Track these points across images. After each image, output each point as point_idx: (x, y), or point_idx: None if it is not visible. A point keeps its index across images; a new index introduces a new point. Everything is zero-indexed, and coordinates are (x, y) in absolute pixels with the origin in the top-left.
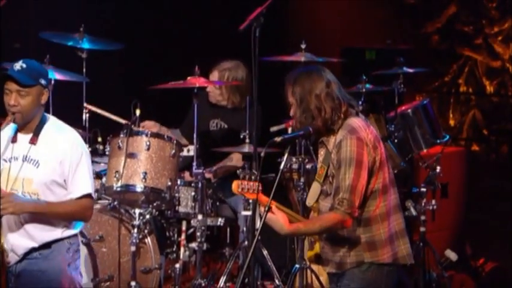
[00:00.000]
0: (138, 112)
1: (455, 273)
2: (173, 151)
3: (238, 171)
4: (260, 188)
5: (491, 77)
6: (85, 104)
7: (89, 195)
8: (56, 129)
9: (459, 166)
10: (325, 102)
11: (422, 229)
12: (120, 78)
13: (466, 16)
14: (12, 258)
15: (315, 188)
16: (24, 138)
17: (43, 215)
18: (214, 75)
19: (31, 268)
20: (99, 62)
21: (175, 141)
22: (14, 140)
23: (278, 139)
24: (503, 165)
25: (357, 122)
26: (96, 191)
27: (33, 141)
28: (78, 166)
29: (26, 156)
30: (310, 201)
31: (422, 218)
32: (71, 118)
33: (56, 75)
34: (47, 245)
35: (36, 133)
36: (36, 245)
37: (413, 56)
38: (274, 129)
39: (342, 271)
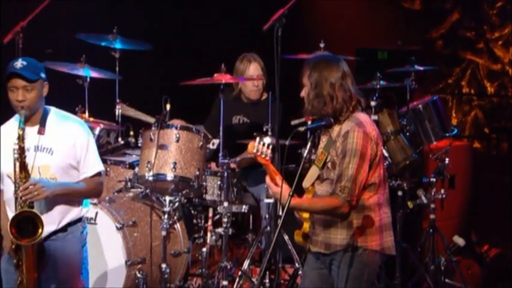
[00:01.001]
0: (168, 107)
1: (462, 259)
2: (201, 143)
3: (255, 133)
4: (271, 155)
5: (492, 79)
6: (118, 101)
7: (99, 173)
8: (60, 118)
9: (465, 160)
10: (338, 91)
11: (432, 216)
12: (151, 75)
13: (468, 22)
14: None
15: (313, 171)
16: (31, 130)
17: (68, 195)
18: (258, 69)
19: (51, 249)
20: (130, 60)
21: (202, 134)
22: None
23: (302, 128)
24: (504, 161)
25: (364, 117)
26: (130, 180)
27: (41, 131)
28: (88, 147)
29: (38, 146)
30: (306, 184)
31: (432, 206)
32: (105, 113)
33: (91, 73)
34: (63, 229)
35: (43, 124)
36: (56, 227)
37: (422, 57)
38: (295, 122)
39: (331, 252)
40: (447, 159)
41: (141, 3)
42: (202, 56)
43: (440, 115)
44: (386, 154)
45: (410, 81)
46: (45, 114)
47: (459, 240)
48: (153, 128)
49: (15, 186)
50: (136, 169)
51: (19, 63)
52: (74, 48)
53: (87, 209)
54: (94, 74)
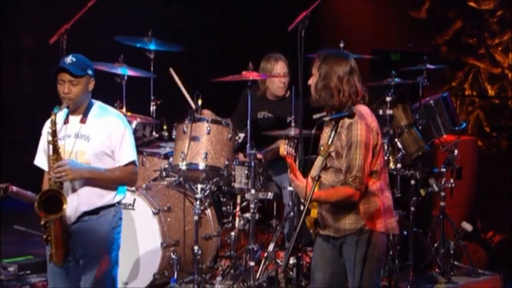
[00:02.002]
0: (199, 102)
1: (469, 244)
2: (230, 135)
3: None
4: (294, 155)
5: (493, 82)
6: (170, 69)
7: (133, 162)
8: (101, 110)
9: (471, 153)
10: (345, 85)
11: (442, 204)
12: (183, 73)
13: (471, 30)
14: (68, 220)
15: (319, 161)
16: (75, 119)
17: (97, 180)
18: (284, 67)
19: (82, 228)
20: (164, 60)
21: (231, 127)
22: (66, 121)
23: (327, 118)
24: (503, 157)
25: (364, 109)
26: (164, 169)
27: (82, 121)
28: (123, 138)
29: (78, 134)
30: (313, 173)
31: (442, 194)
32: (141, 109)
33: (128, 72)
34: (96, 211)
35: (85, 114)
36: (87, 209)
37: (430, 59)
38: (316, 116)
39: (340, 235)
40: (456, 151)
41: (174, 7)
42: (230, 55)
43: (450, 110)
44: (400, 146)
45: (423, 79)
46: (89, 106)
47: (467, 226)
48: (186, 122)
49: (48, 167)
50: (171, 159)
51: (69, 59)
52: (112, 49)
53: (123, 196)
54: (131, 72)
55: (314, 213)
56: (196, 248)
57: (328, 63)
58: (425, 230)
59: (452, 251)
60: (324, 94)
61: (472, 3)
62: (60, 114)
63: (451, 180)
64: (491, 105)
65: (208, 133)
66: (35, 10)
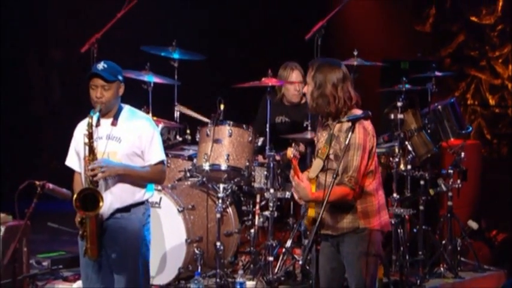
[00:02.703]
0: (222, 107)
1: (474, 241)
2: (250, 138)
3: (291, 141)
4: (299, 157)
5: (493, 92)
6: (176, 104)
7: (162, 162)
8: (131, 113)
9: (476, 156)
10: (340, 92)
11: (449, 203)
12: (206, 80)
13: (473, 43)
14: (102, 217)
15: (317, 163)
16: (106, 122)
17: (129, 177)
18: (299, 75)
19: (115, 225)
20: (188, 68)
21: (251, 130)
22: (97, 124)
23: (344, 119)
24: (504, 163)
25: (359, 112)
26: (188, 170)
27: (113, 123)
28: (152, 139)
29: (109, 135)
30: (312, 175)
31: (450, 194)
32: (166, 114)
33: (154, 79)
34: (127, 208)
35: (116, 117)
36: (119, 206)
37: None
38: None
39: (338, 234)
40: (463, 154)
41: (198, 18)
42: (250, 63)
43: (457, 115)
44: (410, 148)
45: (431, 85)
46: (119, 110)
47: (473, 224)
48: (209, 125)
49: (84, 167)
50: (195, 160)
51: (101, 65)
52: (139, 58)
53: (151, 194)
54: (156, 79)
55: (312, 212)
56: (218, 244)
57: (322, 71)
58: (434, 228)
59: (459, 248)
60: (320, 102)
61: (474, 18)
62: (91, 119)
63: (458, 181)
64: (492, 114)
65: (230, 136)
66: (62, 24)
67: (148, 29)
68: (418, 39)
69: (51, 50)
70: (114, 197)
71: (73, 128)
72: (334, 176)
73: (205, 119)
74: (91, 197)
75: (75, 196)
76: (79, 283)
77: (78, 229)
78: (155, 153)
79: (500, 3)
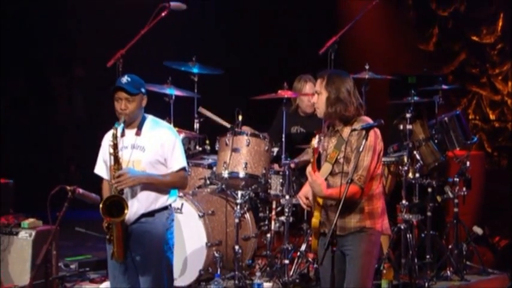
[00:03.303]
0: (240, 118)
1: (478, 247)
2: (267, 147)
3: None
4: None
5: (493, 108)
6: (201, 108)
7: (183, 168)
8: (154, 123)
9: (480, 166)
10: (353, 98)
11: (455, 210)
12: (224, 93)
13: (474, 61)
14: (127, 222)
15: (326, 167)
16: (130, 132)
17: (153, 184)
18: (312, 87)
19: (140, 229)
20: (207, 81)
21: (268, 140)
22: (122, 134)
23: (358, 127)
24: (504, 175)
25: (369, 119)
26: (208, 178)
27: (137, 133)
28: (174, 147)
29: (134, 145)
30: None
31: (456, 201)
32: (186, 125)
33: (175, 92)
34: (151, 213)
35: (140, 127)
36: (144, 211)
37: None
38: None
39: (345, 233)
40: (468, 163)
41: (216, 35)
42: (266, 76)
43: (463, 126)
44: (418, 157)
45: (438, 98)
46: (143, 120)
47: (478, 230)
48: (228, 135)
49: (110, 176)
50: (214, 168)
51: (124, 79)
52: (161, 72)
53: (174, 199)
54: (177, 92)
55: (318, 215)
56: (237, 247)
57: (336, 80)
58: (441, 233)
59: (464, 252)
60: (338, 107)
61: (475, 38)
62: (117, 130)
63: (464, 189)
64: (493, 128)
65: (248, 145)
66: (85, 44)
67: (170, 45)
68: (422, 58)
69: (75, 67)
70: (139, 203)
71: (93, 138)
72: (350, 179)
73: (226, 124)
74: (117, 204)
75: (101, 203)
76: (105, 284)
77: (106, 233)
78: (177, 161)
79: (500, 24)
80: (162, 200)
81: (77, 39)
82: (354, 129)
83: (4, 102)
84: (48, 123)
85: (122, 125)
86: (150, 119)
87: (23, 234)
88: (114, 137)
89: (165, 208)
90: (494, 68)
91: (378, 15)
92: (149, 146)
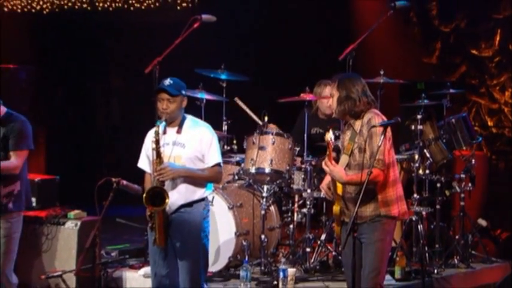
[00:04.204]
0: (266, 118)
1: (481, 239)
2: (290, 145)
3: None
4: (335, 144)
5: (492, 115)
6: (236, 98)
7: (219, 164)
8: (193, 122)
9: (483, 165)
10: (362, 95)
11: (462, 203)
12: (251, 96)
13: (473, 73)
14: (168, 211)
15: (344, 159)
16: (172, 130)
17: (191, 178)
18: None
19: (179, 218)
20: (235, 86)
21: (291, 139)
22: (164, 132)
23: (377, 124)
24: (501, 176)
25: (377, 111)
26: (237, 173)
27: (178, 131)
28: (211, 144)
29: (175, 142)
30: None
31: (462, 195)
32: (216, 126)
33: (206, 96)
34: (190, 204)
35: (180, 126)
36: (183, 202)
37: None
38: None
39: (362, 222)
40: (473, 161)
41: (244, 45)
42: (290, 80)
43: (469, 127)
44: (428, 155)
45: (447, 101)
46: (183, 120)
47: (482, 222)
48: (255, 134)
49: (152, 169)
50: (242, 165)
51: (167, 81)
52: (194, 78)
53: (210, 191)
54: (208, 97)
55: (336, 209)
56: (263, 236)
57: (346, 81)
58: (448, 224)
59: (470, 243)
60: (349, 104)
61: (474, 51)
62: (159, 128)
63: (469, 185)
64: (491, 134)
65: (273, 143)
66: (121, 57)
67: (201, 54)
68: (426, 70)
69: (112, 78)
70: (179, 194)
71: (129, 139)
72: (371, 163)
73: (256, 118)
74: (158, 195)
75: (145, 193)
76: (143, 270)
77: (149, 221)
78: (213, 157)
79: (497, 39)
80: (200, 192)
81: (115, 53)
82: (374, 126)
83: (49, 109)
84: (89, 128)
85: (164, 123)
86: (189, 118)
87: (69, 224)
88: (156, 133)
89: (202, 199)
90: (492, 79)
91: (387, 31)
92: (188, 143)
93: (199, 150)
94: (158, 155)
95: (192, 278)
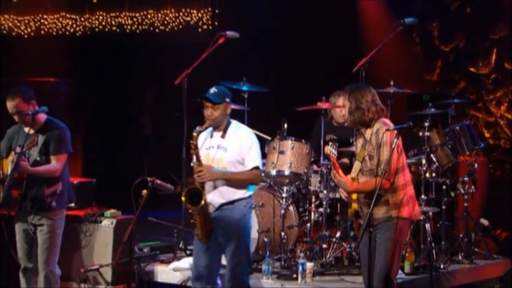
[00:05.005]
0: (285, 125)
1: (483, 237)
2: (307, 150)
3: (328, 139)
4: (336, 155)
5: (488, 128)
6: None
7: (257, 167)
8: (236, 128)
9: (484, 170)
10: (371, 105)
11: (465, 204)
12: (270, 106)
13: (471, 89)
14: (210, 209)
15: (356, 165)
16: (217, 134)
17: (229, 180)
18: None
19: (221, 215)
20: (256, 96)
21: (309, 144)
22: (211, 136)
23: (391, 128)
24: (498, 183)
25: (387, 120)
26: None
27: (223, 136)
28: (251, 148)
29: (219, 145)
30: (353, 174)
31: (466, 197)
32: None
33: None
34: (231, 202)
35: (225, 131)
36: (224, 201)
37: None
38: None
39: (375, 223)
40: (476, 165)
41: (263, 58)
42: (307, 90)
43: (472, 134)
44: (434, 159)
45: (451, 110)
46: (228, 125)
47: (484, 222)
48: (275, 140)
49: (193, 171)
50: (264, 168)
51: (212, 90)
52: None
53: (252, 192)
54: (231, 106)
55: (355, 206)
56: (282, 233)
57: (356, 92)
58: (453, 224)
59: (473, 240)
60: (358, 114)
61: (472, 69)
62: (206, 133)
63: (472, 187)
64: (488, 144)
65: (292, 148)
66: (150, 74)
67: (225, 67)
68: (427, 86)
69: (145, 93)
70: (220, 194)
71: (158, 147)
72: (377, 173)
73: (268, 137)
74: (196, 195)
75: (184, 193)
76: (173, 265)
77: (190, 218)
78: (252, 160)
79: (494, 57)
80: (240, 193)
81: (145, 70)
82: (388, 129)
83: (85, 119)
84: (122, 137)
85: (210, 128)
86: (234, 123)
87: (105, 222)
88: (194, 138)
89: (243, 198)
90: (489, 94)
91: (392, 49)
92: (230, 147)
93: (240, 154)
94: (197, 158)
95: (233, 270)
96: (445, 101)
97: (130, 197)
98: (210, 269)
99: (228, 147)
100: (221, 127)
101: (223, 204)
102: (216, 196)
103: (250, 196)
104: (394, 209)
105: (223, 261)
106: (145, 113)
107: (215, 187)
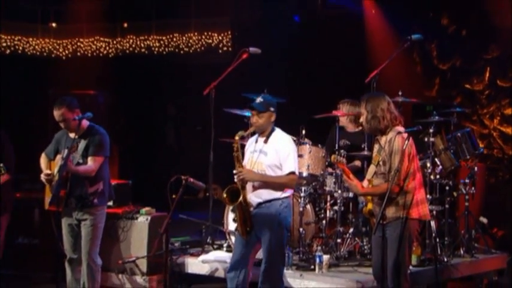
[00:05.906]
0: (303, 132)
1: (483, 234)
2: (323, 154)
3: (341, 147)
4: (345, 161)
5: (482, 139)
6: None
7: (293, 172)
8: (278, 135)
9: (482, 174)
10: (386, 113)
11: (466, 204)
12: (289, 113)
13: (467, 103)
14: (250, 207)
15: (371, 168)
16: (261, 140)
17: (266, 183)
18: (348, 109)
19: (259, 212)
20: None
21: (324, 148)
22: (256, 141)
23: (402, 131)
24: (492, 189)
25: (401, 128)
26: None
27: (265, 141)
28: (288, 155)
29: (261, 150)
30: (368, 177)
31: (467, 197)
32: None
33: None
34: (268, 201)
35: (268, 137)
36: (261, 201)
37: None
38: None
39: (386, 222)
40: (476, 168)
41: (282, 71)
42: (322, 101)
43: (472, 140)
44: (438, 163)
45: (454, 118)
46: (271, 131)
47: (484, 220)
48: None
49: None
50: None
51: (258, 99)
52: (242, 100)
53: (289, 193)
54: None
55: (370, 206)
56: (301, 229)
57: (372, 101)
58: (455, 221)
59: (473, 237)
60: (374, 122)
61: (468, 86)
62: (253, 138)
63: (472, 188)
64: (482, 154)
65: (310, 152)
66: (174, 91)
67: (248, 80)
68: (427, 101)
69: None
70: (258, 194)
71: (192, 155)
72: (392, 179)
73: None
74: (235, 192)
75: (225, 191)
76: (201, 257)
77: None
78: (288, 165)
79: (487, 75)
80: (276, 194)
81: (169, 87)
82: (399, 132)
83: (120, 129)
84: (150, 145)
85: (257, 133)
86: (277, 131)
87: (141, 218)
88: (236, 142)
89: (280, 198)
90: (483, 108)
91: (395, 69)
92: (270, 152)
93: (277, 159)
94: (238, 160)
95: (267, 264)
96: (447, 110)
97: (161, 198)
98: (244, 261)
99: (268, 152)
100: (265, 133)
101: (260, 203)
102: (254, 196)
103: (287, 197)
104: (403, 209)
105: (260, 255)
106: (169, 125)
107: (254, 187)
